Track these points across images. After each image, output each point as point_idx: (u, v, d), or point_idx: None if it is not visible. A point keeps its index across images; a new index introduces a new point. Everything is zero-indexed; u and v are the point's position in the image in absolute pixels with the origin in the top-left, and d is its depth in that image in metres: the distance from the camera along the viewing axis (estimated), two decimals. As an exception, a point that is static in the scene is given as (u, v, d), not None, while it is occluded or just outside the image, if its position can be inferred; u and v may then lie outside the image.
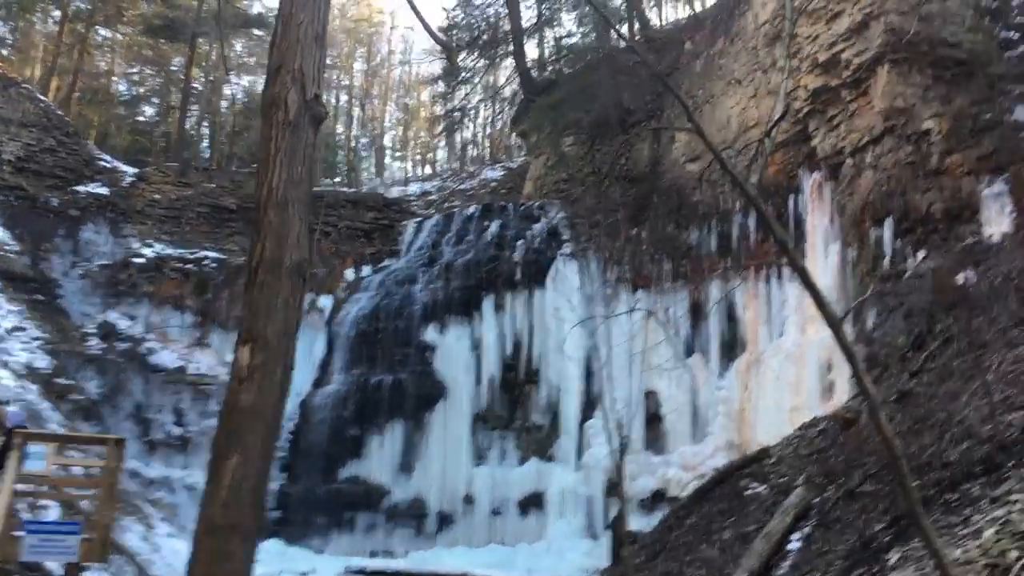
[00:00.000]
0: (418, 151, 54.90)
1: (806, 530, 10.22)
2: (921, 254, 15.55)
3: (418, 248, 26.36)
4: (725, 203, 22.43)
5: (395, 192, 38.79)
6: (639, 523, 19.78)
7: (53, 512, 11.45)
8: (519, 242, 24.40)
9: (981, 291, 11.72)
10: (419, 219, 28.41)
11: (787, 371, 19.86)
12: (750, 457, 12.96)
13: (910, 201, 16.08)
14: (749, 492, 12.14)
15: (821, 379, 18.89)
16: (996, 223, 15.19)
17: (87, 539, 8.70)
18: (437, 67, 37.36)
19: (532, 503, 22.46)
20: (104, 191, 26.44)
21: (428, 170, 51.13)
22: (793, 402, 19.38)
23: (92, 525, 8.96)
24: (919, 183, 16.08)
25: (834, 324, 7.46)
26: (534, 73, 32.91)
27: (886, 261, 15.99)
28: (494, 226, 25.07)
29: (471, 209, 26.80)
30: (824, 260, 19.22)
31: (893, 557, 7.99)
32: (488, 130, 47.53)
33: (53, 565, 9.52)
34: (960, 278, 14.41)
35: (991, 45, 16.65)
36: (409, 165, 53.90)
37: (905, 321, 14.08)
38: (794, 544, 10.04)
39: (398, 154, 55.68)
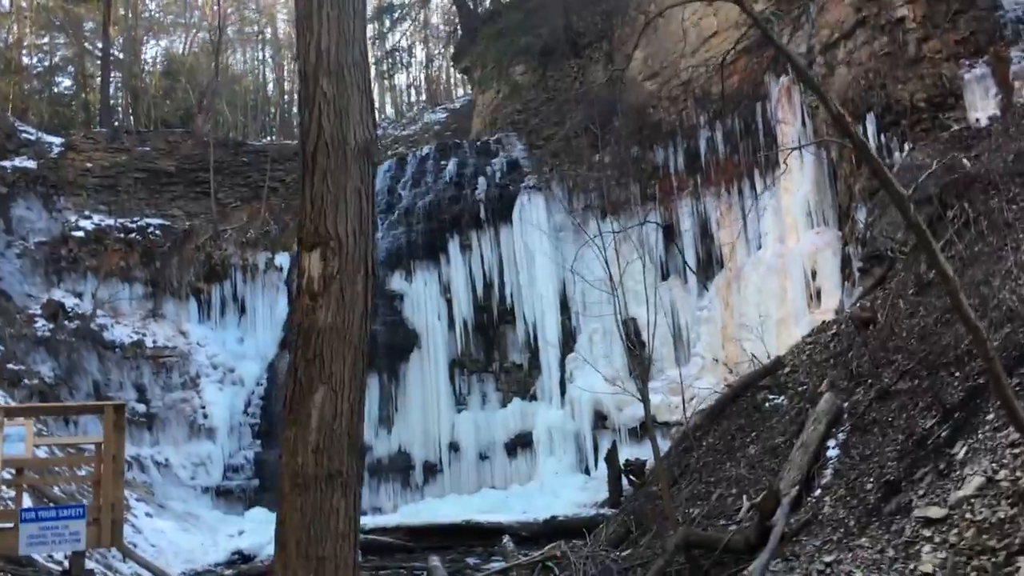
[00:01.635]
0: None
1: (841, 436, 9.73)
2: (907, 146, 15.05)
3: (373, 195, 25.24)
4: (689, 119, 21.74)
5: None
6: (631, 452, 19.40)
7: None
8: (480, 179, 23.48)
9: (992, 172, 11.21)
10: (370, 165, 27.21)
11: (769, 283, 19.40)
12: (763, 369, 12.47)
13: (891, 93, 15.53)
14: (768, 405, 11.63)
15: (807, 288, 18.49)
16: (981, 107, 14.72)
17: (94, 522, 7.65)
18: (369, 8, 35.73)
19: (519, 444, 21.96)
20: (31, 164, 24.73)
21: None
22: (779, 314, 18.96)
23: (96, 507, 7.82)
24: (898, 74, 15.52)
25: (902, 203, 6.79)
26: (472, 4, 31.63)
27: (872, 157, 15.42)
28: (451, 165, 24.07)
29: (425, 149, 25.71)
30: (799, 166, 18.69)
31: (960, 451, 7.49)
32: (425, 72, 46.06)
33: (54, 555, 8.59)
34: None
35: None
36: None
37: (901, 215, 13.57)
38: (832, 452, 9.54)
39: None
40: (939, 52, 15.42)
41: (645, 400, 10.13)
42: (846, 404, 10.16)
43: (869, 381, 10.23)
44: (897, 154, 15.12)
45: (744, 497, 9.92)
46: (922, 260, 11.08)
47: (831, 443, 9.70)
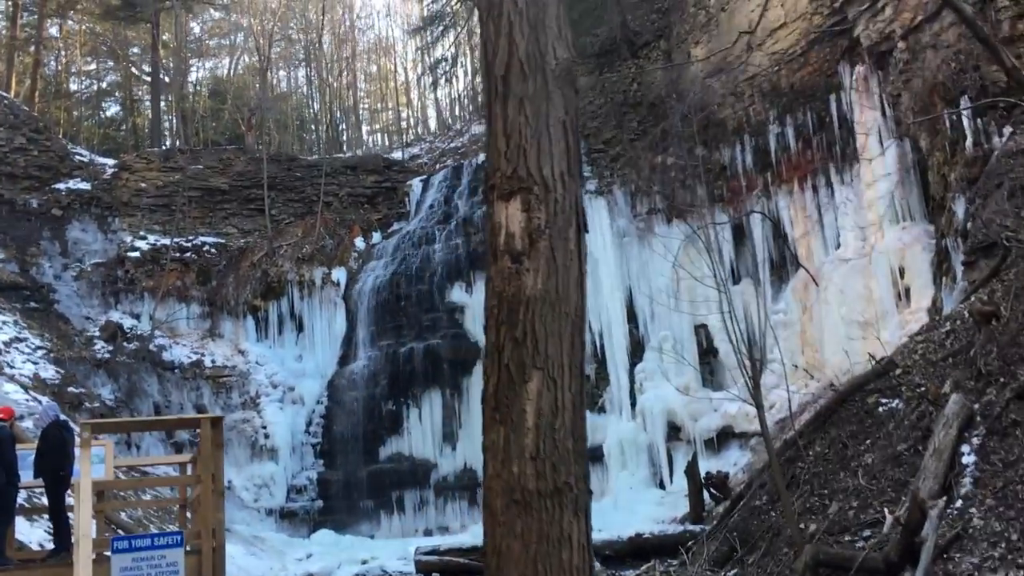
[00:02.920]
0: (395, 115, 52.95)
1: (976, 441, 8.79)
2: (1008, 130, 14.05)
3: (429, 206, 24.71)
4: (757, 115, 20.86)
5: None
6: (709, 465, 18.53)
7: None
8: (539, 185, 22.75)
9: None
10: (424, 176, 26.69)
11: (852, 283, 18.41)
12: (873, 371, 11.55)
13: (985, 75, 14.55)
14: (882, 409, 10.69)
15: (894, 287, 17.49)
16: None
17: (193, 552, 6.87)
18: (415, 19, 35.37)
19: (590, 458, 20.99)
20: (85, 186, 24.59)
21: (411, 136, 49.22)
22: (864, 315, 17.97)
23: (195, 532, 7.02)
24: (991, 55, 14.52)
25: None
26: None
27: (968, 143, 14.47)
28: (509, 172, 23.38)
29: (481, 157, 25.08)
30: (880, 158, 17.72)
31: None
32: (473, 82, 45.59)
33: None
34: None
35: None
36: (382, 135, 51.97)
37: (1010, 202, 12.62)
38: (968, 458, 8.61)
39: (376, 126, 53.75)
40: (1032, 31, 14.44)
41: (759, 407, 9.30)
42: (976, 406, 9.23)
43: (1002, 380, 9.28)
44: (996, 139, 14.13)
45: (869, 510, 9.04)
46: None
47: (965, 449, 8.77)
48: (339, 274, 23.89)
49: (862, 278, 18.21)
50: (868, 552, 7.91)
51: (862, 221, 18.46)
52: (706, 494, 17.27)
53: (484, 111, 4.94)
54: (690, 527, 15.07)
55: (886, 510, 7.96)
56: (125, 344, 21.21)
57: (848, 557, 8.01)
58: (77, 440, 8.12)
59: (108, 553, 6.53)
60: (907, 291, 17.25)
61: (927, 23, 16.00)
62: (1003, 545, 6.92)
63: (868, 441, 10.44)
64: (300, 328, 23.81)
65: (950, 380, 10.06)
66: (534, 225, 4.31)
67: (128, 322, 22.09)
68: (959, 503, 8.11)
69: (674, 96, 22.55)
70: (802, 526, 9.81)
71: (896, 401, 10.76)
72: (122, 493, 9.23)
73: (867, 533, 8.79)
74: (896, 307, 17.36)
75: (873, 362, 12.01)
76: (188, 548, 6.67)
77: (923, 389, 10.42)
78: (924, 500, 7.64)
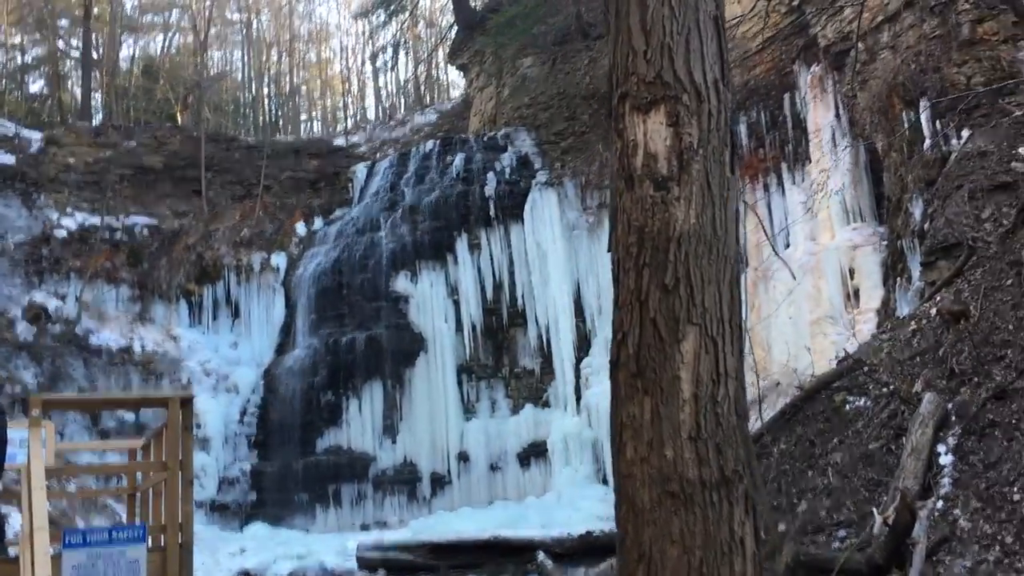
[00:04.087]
0: (335, 103, 51.89)
1: (952, 441, 8.67)
2: (966, 133, 14.12)
3: (374, 193, 24.03)
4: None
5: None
6: (654, 462, 18.34)
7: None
8: (488, 175, 22.32)
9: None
10: (368, 163, 26.00)
11: (801, 283, 18.40)
12: (838, 369, 11.43)
13: (946, 77, 14.60)
14: (850, 407, 10.54)
15: (843, 287, 17.54)
16: (1046, 91, 13.86)
17: (156, 550, 5.99)
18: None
19: (533, 454, 20.78)
20: (9, 160, 23.28)
21: (350, 124, 48.23)
22: (813, 315, 17.99)
23: (159, 527, 6.17)
24: (953, 56, 14.61)
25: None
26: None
27: (926, 145, 14.51)
28: (458, 160, 22.91)
29: (429, 144, 24.56)
30: (834, 160, 17.77)
31: None
32: (416, 72, 44.93)
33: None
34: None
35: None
36: (322, 124, 50.85)
37: (970, 204, 12.64)
38: (945, 458, 8.48)
39: (315, 112, 52.58)
40: (996, 34, 14.55)
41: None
42: (950, 405, 9.12)
43: (975, 380, 9.20)
44: (955, 141, 14.19)
45: (843, 509, 8.85)
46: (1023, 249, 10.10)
47: (941, 448, 8.64)
48: (279, 260, 23.09)
49: (812, 278, 18.22)
50: (849, 554, 7.68)
51: (813, 221, 18.48)
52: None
53: (606, 8, 3.95)
54: (641, 525, 14.80)
55: (874, 510, 7.74)
56: (49, 326, 20.12)
57: (829, 559, 7.77)
58: (9, 422, 7.45)
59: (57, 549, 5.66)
60: (856, 292, 17.31)
61: (887, 24, 16.03)
62: (997, 548, 6.75)
63: (836, 439, 10.27)
64: (236, 314, 22.94)
65: (921, 379, 9.95)
66: (684, 143, 3.52)
67: (53, 303, 20.95)
68: (940, 504, 7.94)
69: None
70: (772, 525, 9.59)
71: (864, 399, 10.63)
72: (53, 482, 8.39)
73: (842, 533, 8.60)
74: (845, 307, 17.41)
75: (838, 360, 11.90)
76: (151, 544, 5.98)
77: (892, 387, 10.30)
78: (914, 501, 7.45)
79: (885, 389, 10.40)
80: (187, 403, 6.48)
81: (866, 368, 11.03)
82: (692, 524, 3.23)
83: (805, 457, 10.39)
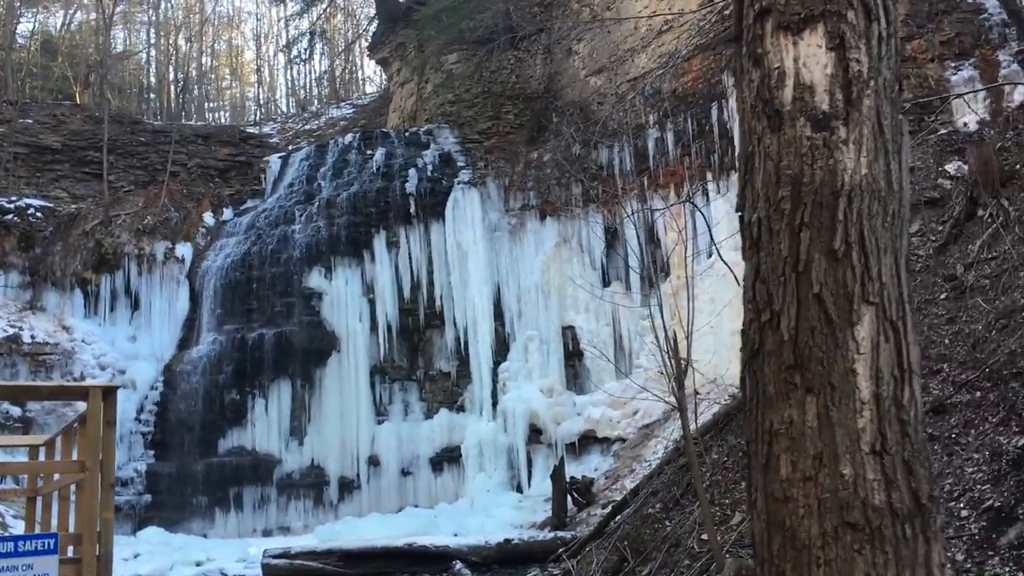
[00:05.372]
0: (243, 91, 50.35)
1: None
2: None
3: (288, 184, 23.12)
4: (638, 117, 20.62)
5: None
6: (570, 469, 17.98)
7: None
8: (410, 171, 21.69)
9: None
10: (283, 154, 25.05)
11: (723, 292, 18.39)
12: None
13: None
14: (784, 418, 10.43)
15: (765, 298, 17.56)
16: (970, 111, 14.11)
17: (70, 560, 5.24)
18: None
19: (446, 459, 20.24)
20: None
21: (261, 114, 46.80)
22: (735, 324, 17.93)
23: (75, 536, 5.41)
24: (883, 73, 14.75)
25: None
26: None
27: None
28: (378, 155, 22.22)
29: (348, 137, 23.77)
30: (759, 170, 17.80)
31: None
32: (332, 64, 43.88)
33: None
34: (951, 168, 13.24)
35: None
36: (231, 112, 49.25)
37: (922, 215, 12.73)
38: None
39: (224, 100, 50.88)
40: (924, 52, 14.79)
41: (683, 410, 8.69)
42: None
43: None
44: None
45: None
46: (957, 263, 10.10)
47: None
48: (184, 250, 21.94)
49: (734, 287, 18.22)
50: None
51: (734, 232, 18.50)
52: (570, 500, 16.79)
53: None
54: (560, 533, 14.43)
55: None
56: (-72, 311, 18.62)
57: None
58: None
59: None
60: (778, 303, 17.36)
61: (817, 38, 16.11)
62: (949, 567, 6.56)
63: (771, 450, 10.09)
64: (136, 306, 21.68)
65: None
66: (852, 72, 2.74)
67: (-67, 287, 19.45)
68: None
69: (553, 91, 22.09)
70: (704, 537, 9.32)
71: (798, 410, 10.49)
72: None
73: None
74: (767, 318, 17.44)
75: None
76: (67, 557, 5.15)
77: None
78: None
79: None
80: (110, 394, 5.73)
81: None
82: (882, 566, 2.43)
83: (737, 468, 10.20)
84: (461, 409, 20.83)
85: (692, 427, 10.40)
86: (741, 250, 2.96)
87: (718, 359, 18.30)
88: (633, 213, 18.30)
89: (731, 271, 12.75)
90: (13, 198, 21.75)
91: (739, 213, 2.98)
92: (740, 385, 3.00)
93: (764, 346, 2.73)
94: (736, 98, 3.15)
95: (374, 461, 20.11)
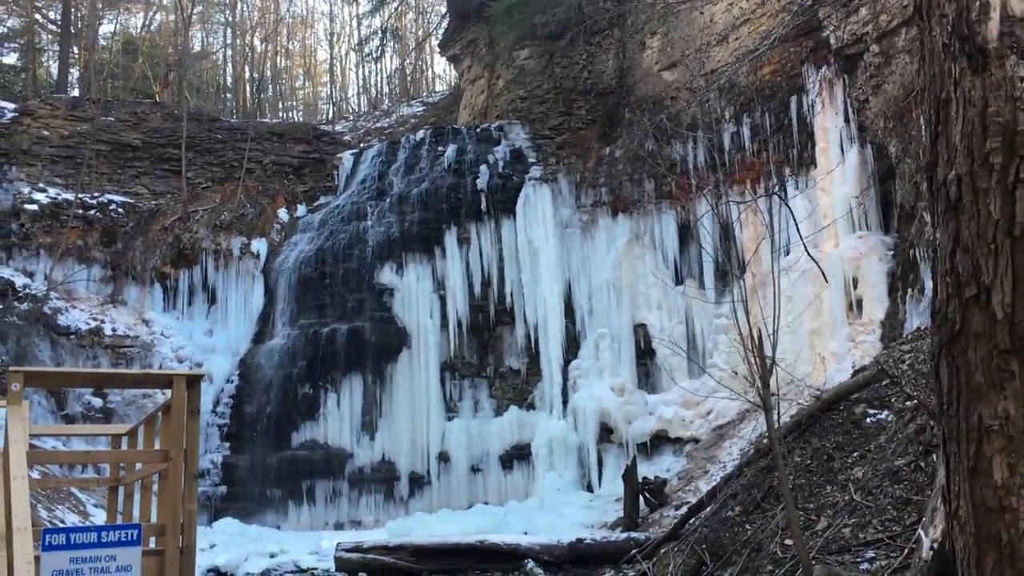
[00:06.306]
0: (317, 90, 50.99)
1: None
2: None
3: (361, 181, 23.27)
4: (713, 112, 20.20)
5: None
6: (641, 470, 17.71)
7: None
8: (481, 167, 21.63)
9: None
10: (355, 150, 25.23)
11: (801, 291, 17.91)
12: (857, 381, 10.92)
13: (966, 84, 14.11)
14: (870, 420, 10.03)
15: (845, 297, 17.06)
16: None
17: (152, 552, 5.14)
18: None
19: (516, 457, 20.13)
20: (-20, 129, 22.31)
21: (333, 112, 47.33)
22: (812, 324, 17.50)
23: (158, 527, 5.27)
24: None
25: None
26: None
27: (944, 153, 14.04)
28: (450, 151, 22.21)
29: (420, 134, 23.84)
30: (840, 166, 17.28)
31: None
32: (403, 64, 44.17)
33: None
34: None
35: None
36: (305, 111, 49.92)
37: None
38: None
39: (298, 99, 51.63)
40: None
41: (768, 410, 8.41)
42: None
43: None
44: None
45: (869, 528, 8.29)
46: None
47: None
48: (259, 245, 22.26)
49: (812, 287, 17.74)
50: (888, 576, 7.12)
51: (815, 229, 17.99)
52: (642, 500, 16.53)
53: None
54: (634, 534, 14.20)
55: (921, 531, 7.15)
56: (16, 304, 19.18)
57: (865, 581, 7.21)
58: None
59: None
60: (859, 302, 16.86)
61: (904, 27, 15.56)
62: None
63: (856, 454, 9.74)
64: (213, 300, 22.08)
65: (950, 393, 9.42)
66: None
67: (20, 280, 20.02)
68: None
69: (626, 86, 21.81)
70: (788, 542, 9.02)
71: (886, 412, 10.11)
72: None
73: (870, 554, 8.03)
74: (846, 318, 16.94)
75: (854, 371, 11.39)
76: (146, 547, 5.10)
77: (918, 401, 9.76)
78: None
79: (909, 403, 9.86)
80: (194, 382, 5.65)
81: (888, 380, 10.52)
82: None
83: (823, 471, 9.85)
84: (531, 407, 20.71)
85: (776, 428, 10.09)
86: (930, 216, 2.58)
87: (797, 359, 17.77)
88: (711, 209, 17.89)
89: (818, 267, 12.40)
90: (96, 194, 22.31)
91: (927, 174, 2.62)
92: (933, 375, 2.63)
93: (968, 327, 2.38)
94: (920, 39, 2.76)
95: (444, 457, 20.10)
